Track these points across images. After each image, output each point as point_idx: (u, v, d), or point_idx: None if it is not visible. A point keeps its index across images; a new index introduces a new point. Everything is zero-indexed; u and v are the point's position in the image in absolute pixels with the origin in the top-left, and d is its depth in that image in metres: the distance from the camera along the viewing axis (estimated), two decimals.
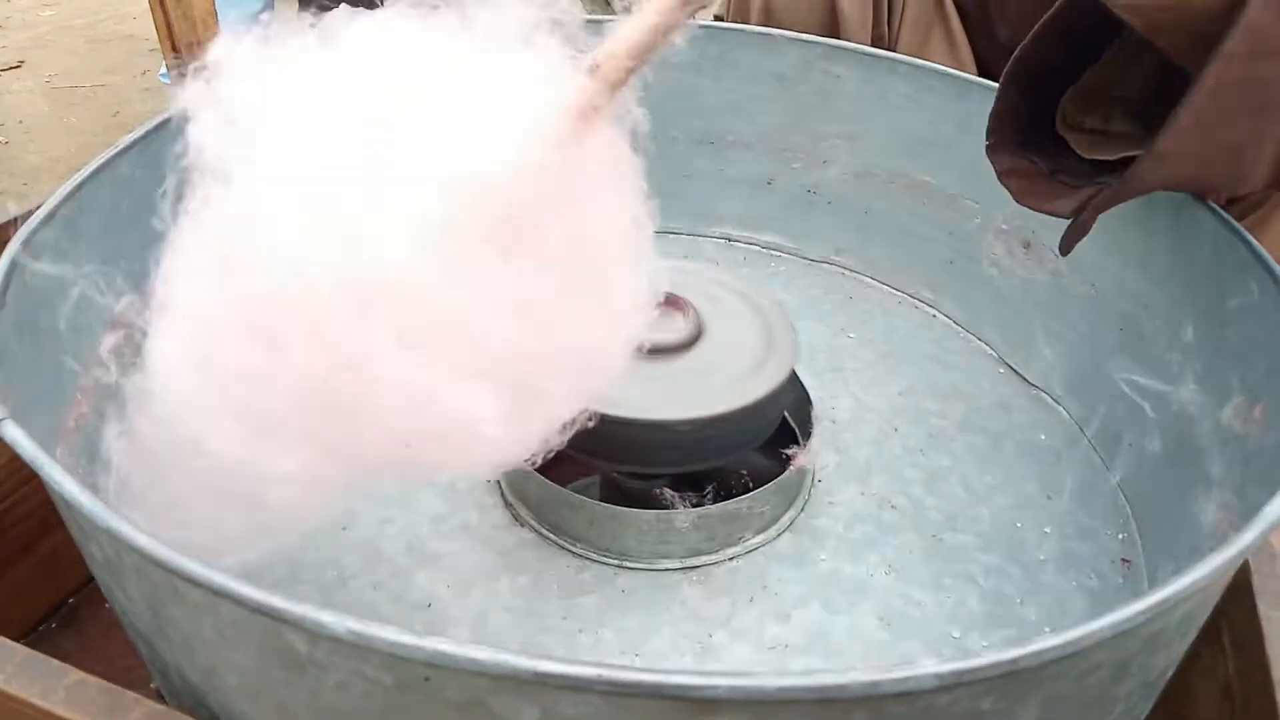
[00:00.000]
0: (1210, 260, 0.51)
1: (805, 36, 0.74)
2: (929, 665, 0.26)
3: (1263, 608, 0.43)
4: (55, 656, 0.36)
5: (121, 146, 0.53)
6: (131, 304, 0.55)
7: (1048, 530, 0.56)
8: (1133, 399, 0.57)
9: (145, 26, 2.42)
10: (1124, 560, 0.55)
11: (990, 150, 0.53)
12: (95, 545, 0.34)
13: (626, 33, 0.32)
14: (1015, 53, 0.51)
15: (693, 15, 0.31)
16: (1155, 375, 0.56)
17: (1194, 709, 0.45)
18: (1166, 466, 0.54)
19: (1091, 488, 0.59)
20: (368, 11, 0.36)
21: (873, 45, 0.83)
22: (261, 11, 1.83)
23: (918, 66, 0.70)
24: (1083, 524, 0.56)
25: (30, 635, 0.61)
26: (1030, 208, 0.52)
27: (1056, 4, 0.48)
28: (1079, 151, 0.51)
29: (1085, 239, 0.49)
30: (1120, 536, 0.56)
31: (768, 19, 0.87)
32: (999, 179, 0.53)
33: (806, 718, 0.27)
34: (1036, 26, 0.50)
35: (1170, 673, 0.38)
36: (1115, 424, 0.59)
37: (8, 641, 0.37)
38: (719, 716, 0.27)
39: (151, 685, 0.44)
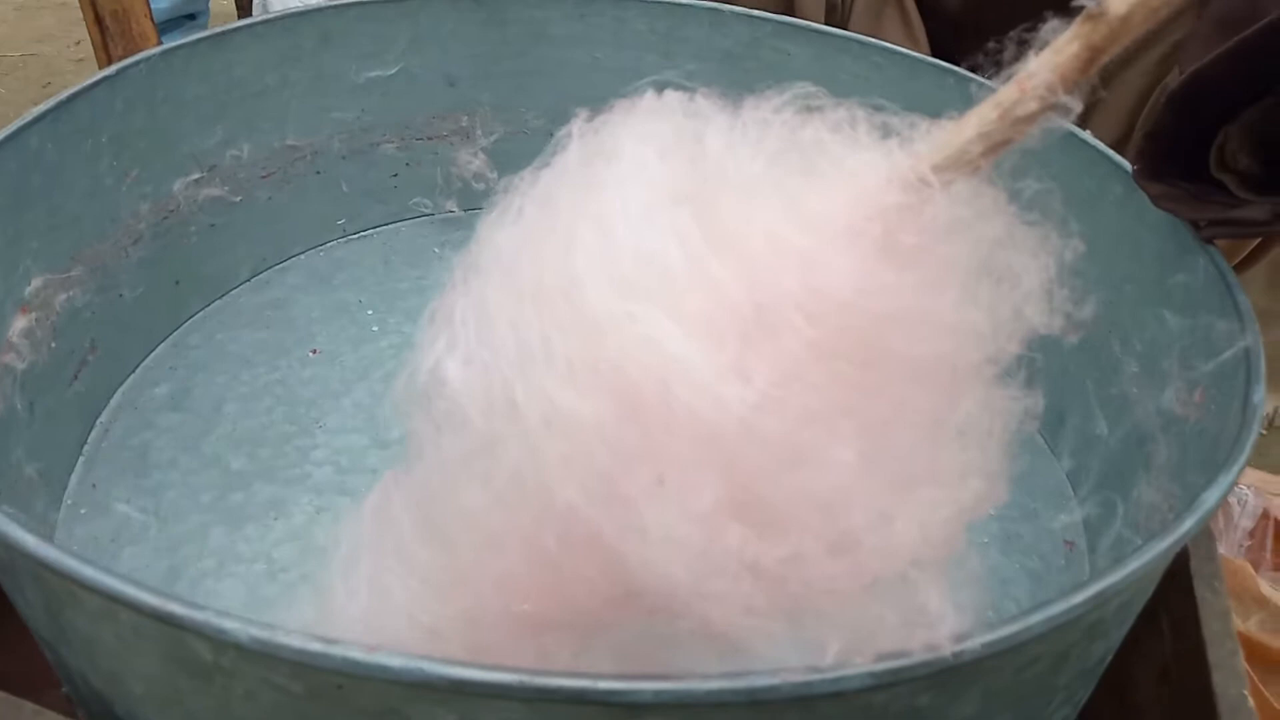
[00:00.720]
0: (1154, 241, 0.51)
1: (754, 12, 0.72)
2: (862, 664, 0.25)
3: (1199, 590, 0.43)
4: None
5: (31, 118, 0.50)
6: (45, 284, 0.52)
7: (991, 512, 0.56)
8: (1077, 383, 0.57)
9: None
10: (1066, 542, 0.55)
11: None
12: None
13: (948, 138, 0.27)
14: (1191, 72, 0.43)
15: (1022, 133, 0.26)
16: (1099, 358, 0.56)
17: (1134, 692, 0.46)
18: (1110, 449, 0.54)
19: (1034, 471, 0.59)
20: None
21: (826, 22, 0.82)
22: None
23: (867, 44, 0.69)
24: (1025, 506, 0.56)
25: None
26: (1207, 226, 0.46)
27: (1261, 24, 0.40)
28: (1233, 190, 0.45)
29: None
30: (1063, 518, 0.56)
31: None
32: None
33: (739, 719, 0.26)
34: (1231, 44, 0.42)
35: (1109, 658, 0.38)
36: (1059, 408, 0.60)
37: None
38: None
39: (62, 691, 0.42)
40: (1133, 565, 0.29)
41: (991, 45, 0.28)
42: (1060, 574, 0.53)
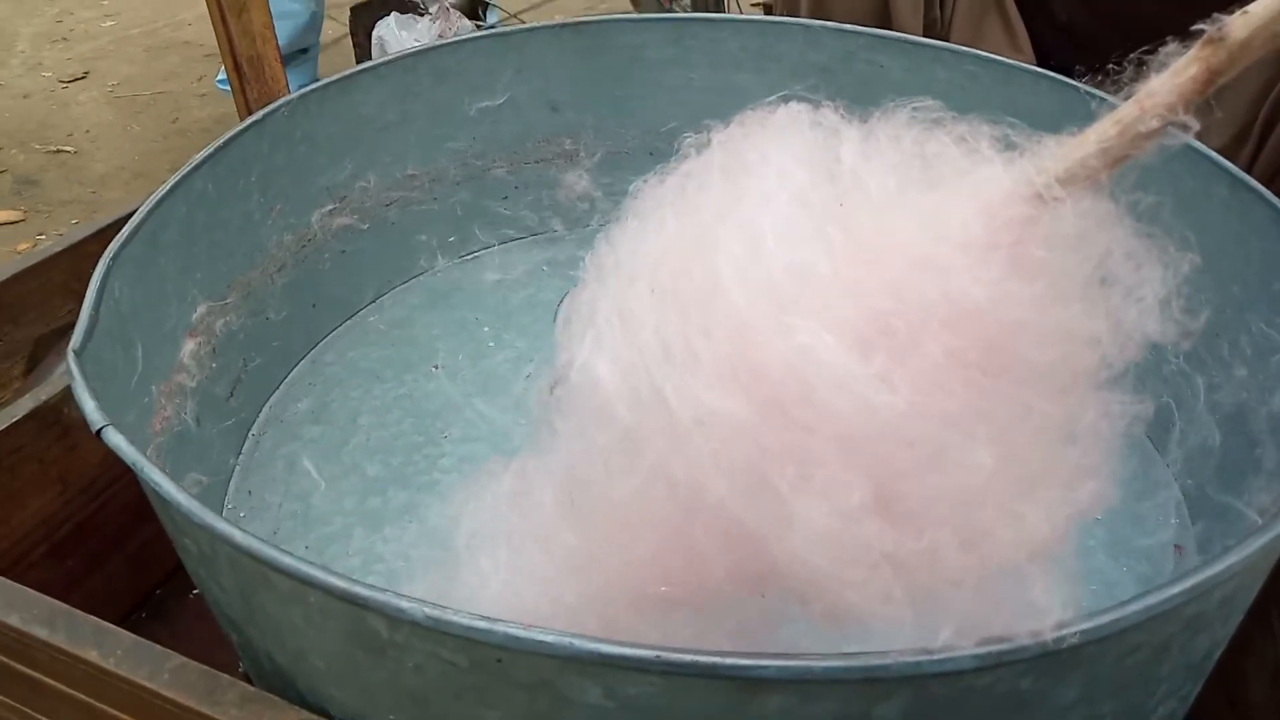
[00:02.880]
0: (1260, 248, 0.51)
1: (846, 27, 0.74)
2: (968, 646, 0.27)
3: None
4: None
5: (196, 163, 0.56)
6: (208, 311, 0.58)
7: (1099, 516, 0.56)
8: (1185, 387, 0.57)
9: (199, 33, 2.50)
10: (1176, 547, 0.55)
11: None
12: (189, 540, 0.37)
13: (1069, 152, 0.28)
14: None
15: (1141, 148, 0.27)
16: (1207, 362, 0.56)
17: (1245, 692, 0.46)
18: (1219, 454, 0.54)
19: (1143, 475, 0.59)
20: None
21: (925, 34, 0.83)
22: (308, 25, 1.87)
23: (960, 53, 0.70)
24: (1133, 511, 0.57)
25: (122, 624, 0.65)
26: None
27: None
28: None
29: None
30: (1173, 522, 0.56)
31: (818, 10, 0.87)
32: None
33: (851, 697, 0.29)
34: None
35: (1216, 655, 0.38)
36: (1168, 412, 0.60)
37: (116, 628, 0.40)
38: (769, 695, 0.28)
39: (240, 670, 0.47)
40: (1230, 559, 0.30)
41: (1111, 66, 0.29)
42: (1169, 579, 0.53)
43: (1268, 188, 0.52)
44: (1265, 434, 0.49)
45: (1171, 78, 0.26)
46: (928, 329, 0.27)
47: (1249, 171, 0.55)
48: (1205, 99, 0.27)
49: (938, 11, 0.88)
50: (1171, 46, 0.27)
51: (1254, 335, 0.52)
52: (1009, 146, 0.30)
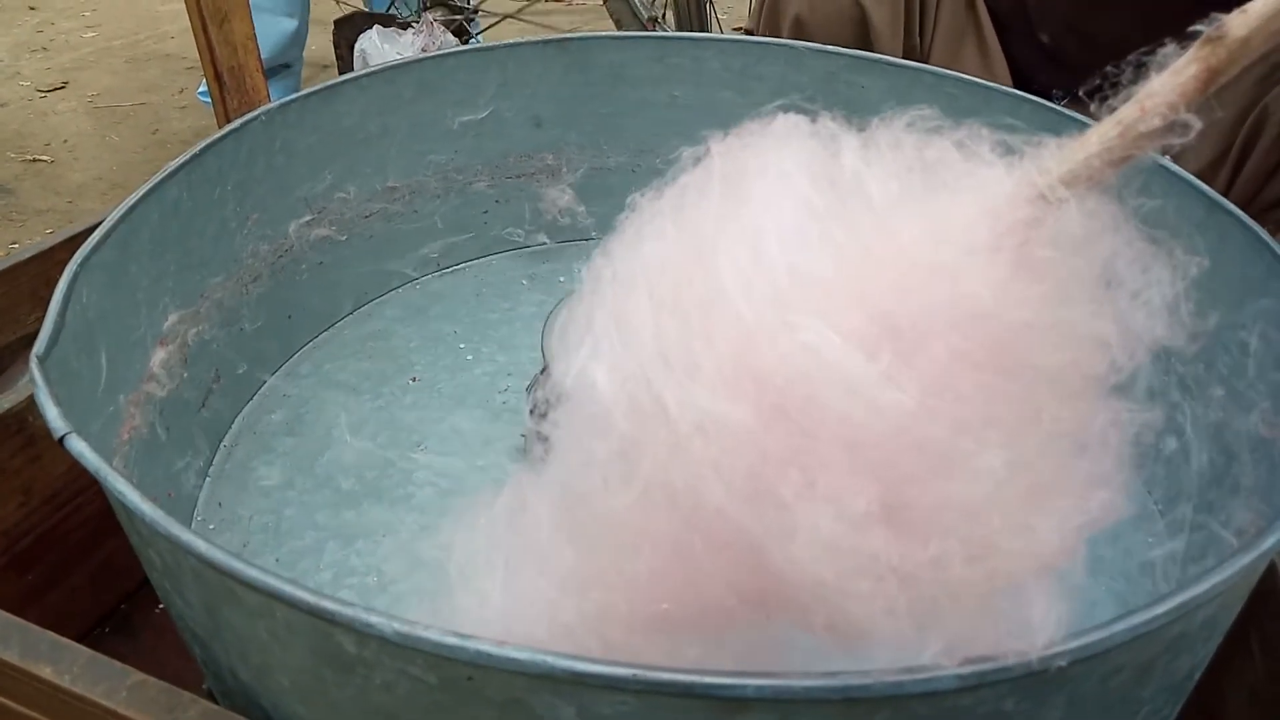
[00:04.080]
0: (1238, 270, 0.52)
1: (829, 48, 0.75)
2: (951, 666, 0.27)
3: None
4: None
5: (170, 170, 0.55)
6: (180, 320, 0.57)
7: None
8: (1165, 402, 0.58)
9: (182, 46, 2.48)
10: (1151, 565, 0.55)
11: None
12: (154, 551, 0.36)
13: (1070, 154, 0.28)
14: None
15: (1142, 148, 0.27)
16: (1185, 382, 0.56)
17: (1223, 711, 0.45)
18: (1196, 473, 0.54)
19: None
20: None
21: (904, 56, 0.84)
22: (291, 39, 1.86)
23: (941, 75, 0.71)
24: (1112, 528, 0.56)
25: (84, 639, 0.63)
26: None
27: None
28: None
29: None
30: (1149, 540, 0.56)
31: (799, 32, 0.88)
32: None
33: (830, 716, 0.28)
34: None
35: (1197, 675, 0.38)
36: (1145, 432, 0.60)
37: (73, 644, 0.39)
38: (748, 715, 0.28)
39: (204, 687, 0.46)
40: (1214, 579, 0.30)
41: (1093, 87, 0.29)
42: (1147, 597, 0.53)
43: (1244, 211, 0.52)
44: (1244, 453, 0.49)
45: (1172, 77, 0.26)
46: (935, 331, 0.26)
47: (1226, 195, 0.56)
48: (1205, 99, 0.27)
49: (917, 39, 0.89)
50: (1170, 48, 0.27)
51: (1232, 355, 0.52)
52: (1010, 151, 0.29)
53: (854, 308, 0.27)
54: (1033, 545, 0.27)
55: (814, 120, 0.32)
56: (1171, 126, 0.26)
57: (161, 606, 0.65)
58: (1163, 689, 0.35)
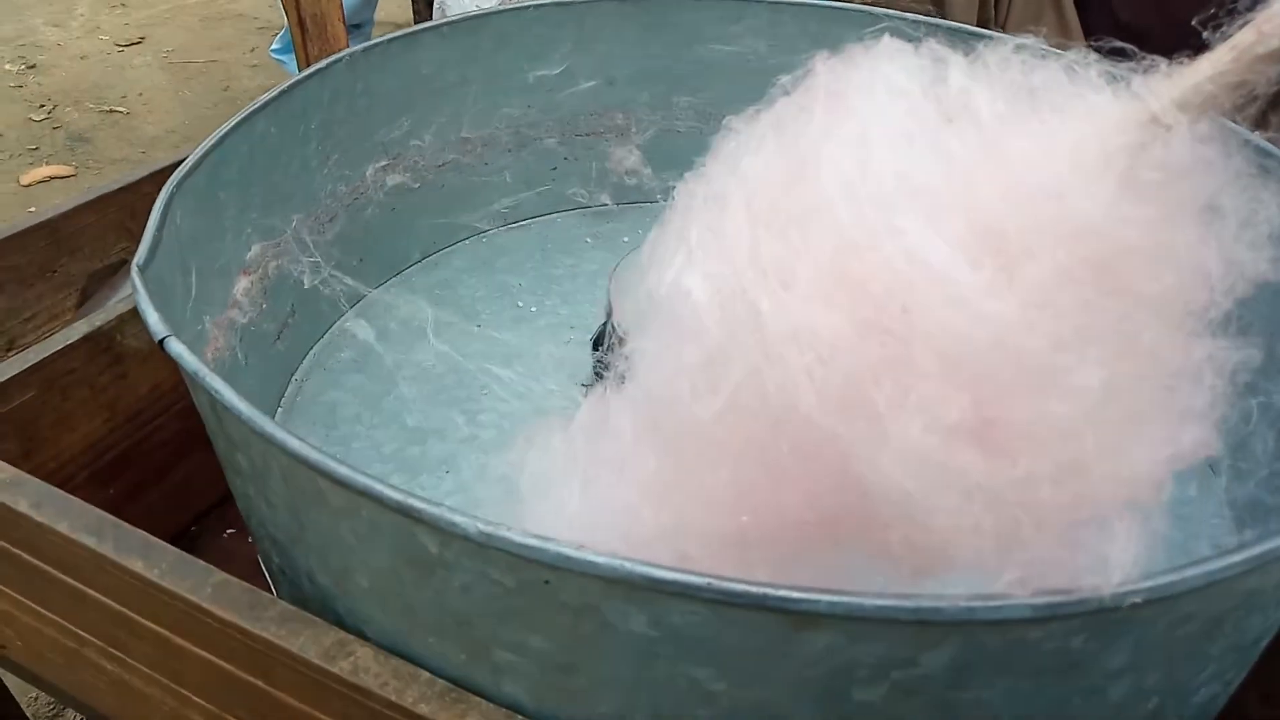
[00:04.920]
0: None
1: (910, 15, 0.74)
2: (1023, 597, 0.27)
3: None
4: None
5: (260, 104, 0.57)
6: (262, 252, 0.59)
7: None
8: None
9: (254, 5, 2.53)
10: (1216, 546, 0.54)
11: None
12: (242, 455, 0.38)
13: (1182, 78, 0.28)
14: None
15: (1259, 73, 0.26)
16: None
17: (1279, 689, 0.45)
18: (1271, 453, 0.53)
19: (1187, 473, 0.58)
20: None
21: (979, 26, 0.83)
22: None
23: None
24: (1175, 511, 0.56)
25: None
26: None
27: None
28: None
29: None
30: (1214, 522, 0.56)
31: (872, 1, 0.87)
32: None
33: (900, 641, 0.28)
34: None
35: (1264, 644, 0.38)
36: None
37: (162, 543, 0.40)
38: (816, 631, 0.28)
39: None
40: None
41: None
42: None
43: None
44: None
45: None
46: (1040, 245, 0.26)
47: None
48: None
49: (991, 10, 0.88)
50: None
51: None
52: (1118, 79, 0.29)
53: (959, 218, 0.27)
54: (1123, 470, 0.26)
55: (919, 44, 0.32)
56: None
57: (229, 533, 0.68)
58: (1230, 649, 0.34)
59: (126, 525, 0.41)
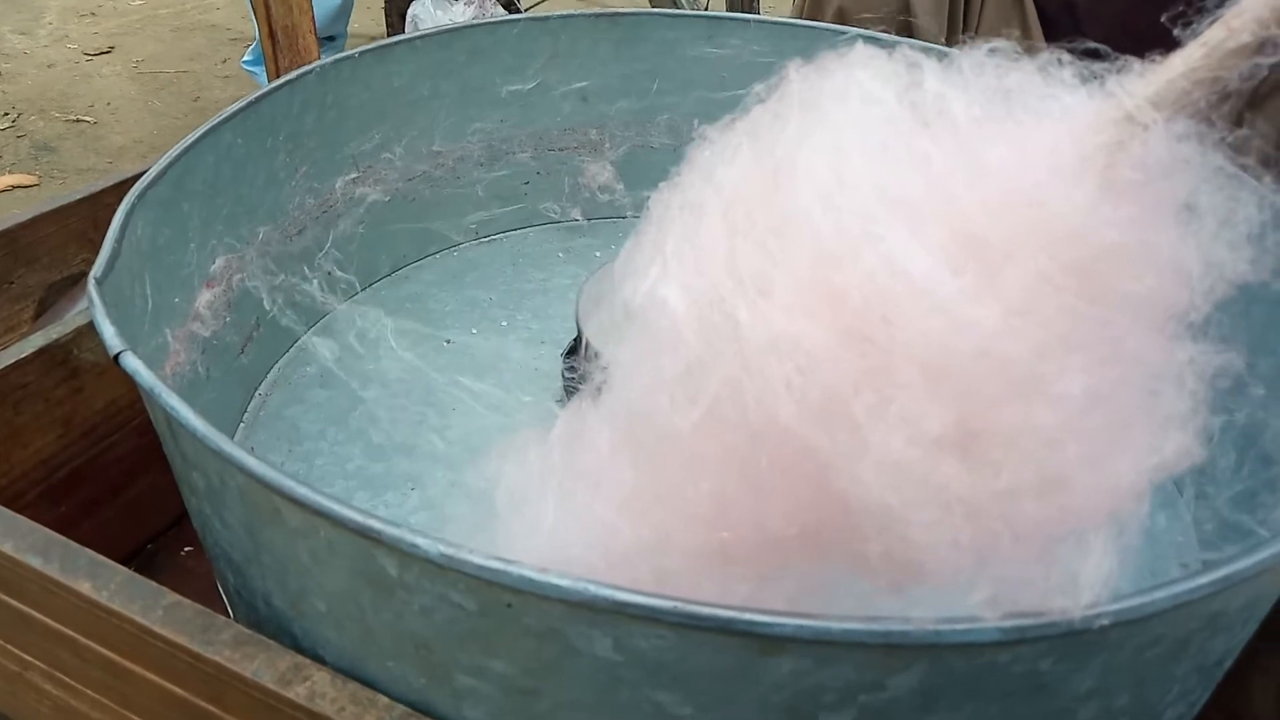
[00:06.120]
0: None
1: (882, 35, 0.74)
2: (991, 620, 0.27)
3: None
4: None
5: (227, 114, 0.56)
6: (227, 264, 0.58)
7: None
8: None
9: (227, 17, 2.51)
10: (1182, 566, 0.54)
11: None
12: (199, 472, 0.37)
13: (1155, 76, 0.27)
14: None
15: (1231, 68, 0.26)
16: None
17: (1248, 707, 0.45)
18: (1234, 470, 0.54)
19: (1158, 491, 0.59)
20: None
21: (946, 39, 0.84)
22: (339, 11, 1.88)
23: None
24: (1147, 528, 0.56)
25: None
26: None
27: None
28: None
29: None
30: (1178, 540, 0.56)
31: (842, 21, 0.88)
32: None
33: (867, 664, 0.28)
34: None
35: (1228, 664, 0.38)
36: None
37: (111, 562, 0.39)
38: (782, 656, 0.28)
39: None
40: (1262, 554, 0.30)
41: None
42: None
43: None
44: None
45: None
46: (1020, 251, 0.26)
47: None
48: None
49: (960, 32, 0.88)
50: None
51: (1273, 356, 0.51)
52: (1093, 78, 0.29)
53: (939, 224, 0.26)
54: (1106, 481, 0.26)
55: (892, 50, 0.32)
56: (1261, 45, 0.25)
57: (186, 550, 0.66)
58: (1195, 669, 0.34)
59: (74, 545, 0.39)
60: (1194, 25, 0.27)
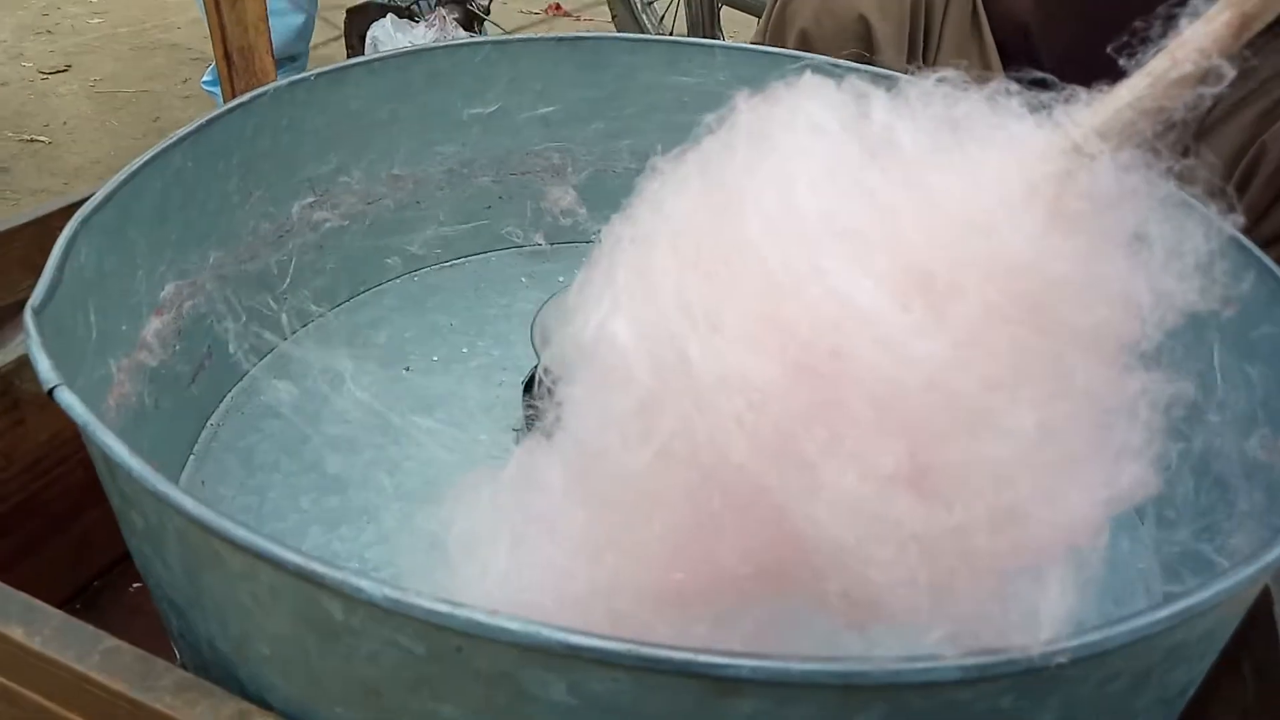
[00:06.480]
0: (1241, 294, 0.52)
1: (841, 62, 0.75)
2: (952, 658, 0.26)
3: None
4: None
5: (176, 138, 0.55)
6: (176, 291, 0.56)
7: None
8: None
9: (188, 36, 2.49)
10: (1147, 592, 0.55)
11: None
12: (136, 512, 0.35)
13: (1101, 106, 0.27)
14: None
15: (1175, 97, 0.26)
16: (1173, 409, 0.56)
17: None
18: (1192, 498, 0.54)
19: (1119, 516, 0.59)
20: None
21: (908, 61, 0.85)
22: (299, 31, 1.86)
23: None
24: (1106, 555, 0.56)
25: None
26: None
27: None
28: None
29: None
30: (1139, 567, 0.56)
31: (804, 46, 0.88)
32: None
33: (828, 704, 0.27)
34: None
35: (1189, 694, 0.38)
36: None
37: (46, 606, 0.38)
38: (741, 697, 0.27)
39: (178, 664, 0.45)
40: (1219, 586, 0.30)
41: (1139, 24, 0.29)
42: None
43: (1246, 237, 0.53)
44: (1239, 478, 0.49)
45: (1204, 24, 0.26)
46: (969, 283, 0.25)
47: None
48: (1238, 47, 0.26)
49: (920, 58, 0.90)
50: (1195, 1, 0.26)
51: (1229, 382, 0.52)
52: (1040, 107, 0.29)
53: (886, 256, 0.26)
54: (1060, 516, 0.26)
55: (841, 80, 0.32)
56: (1204, 75, 0.26)
57: (135, 586, 0.64)
58: (1157, 702, 0.34)
59: (6, 588, 0.38)
60: (1139, 56, 0.27)
